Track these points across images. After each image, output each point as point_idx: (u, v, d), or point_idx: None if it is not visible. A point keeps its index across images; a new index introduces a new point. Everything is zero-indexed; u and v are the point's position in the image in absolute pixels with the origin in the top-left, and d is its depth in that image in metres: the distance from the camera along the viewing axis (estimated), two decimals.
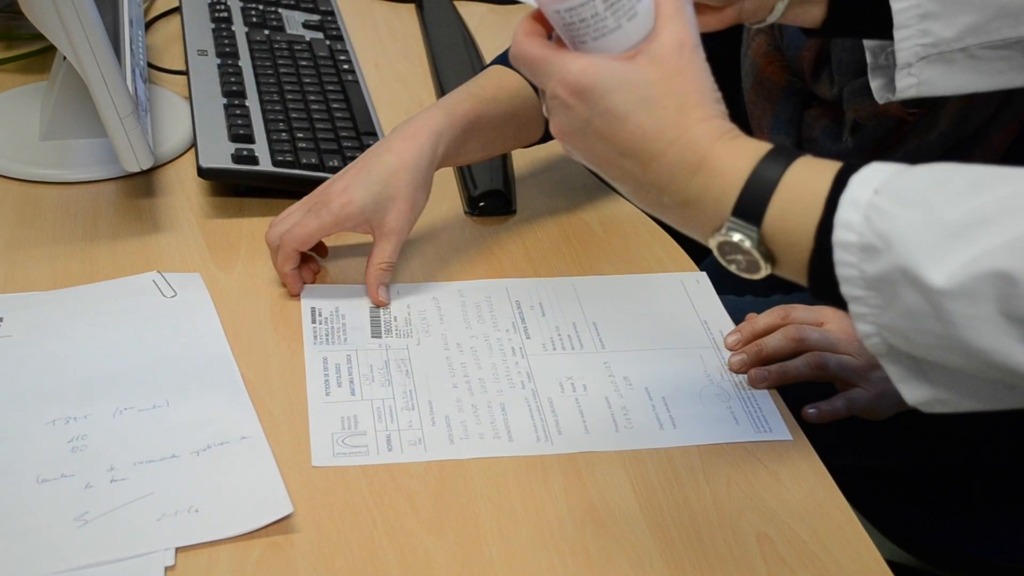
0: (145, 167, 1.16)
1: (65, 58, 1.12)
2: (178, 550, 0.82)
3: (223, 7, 1.54)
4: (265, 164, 1.21)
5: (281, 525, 0.84)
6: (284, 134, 1.27)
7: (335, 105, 1.35)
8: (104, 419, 0.92)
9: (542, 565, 0.84)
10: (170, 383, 0.96)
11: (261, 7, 1.57)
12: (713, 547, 0.86)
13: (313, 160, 1.23)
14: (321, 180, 1.19)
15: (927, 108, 1.15)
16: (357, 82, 1.43)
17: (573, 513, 0.88)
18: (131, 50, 1.26)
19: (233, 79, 1.36)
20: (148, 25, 1.62)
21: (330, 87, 1.39)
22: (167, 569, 0.80)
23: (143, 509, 0.84)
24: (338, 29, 1.57)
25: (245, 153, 1.22)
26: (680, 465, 0.93)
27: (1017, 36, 0.93)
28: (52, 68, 1.33)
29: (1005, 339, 0.64)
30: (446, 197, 1.26)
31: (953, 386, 0.70)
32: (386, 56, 1.60)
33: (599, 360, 1.04)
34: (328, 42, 1.52)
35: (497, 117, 1.17)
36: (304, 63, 1.43)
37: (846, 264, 0.68)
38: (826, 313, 1.07)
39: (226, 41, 1.45)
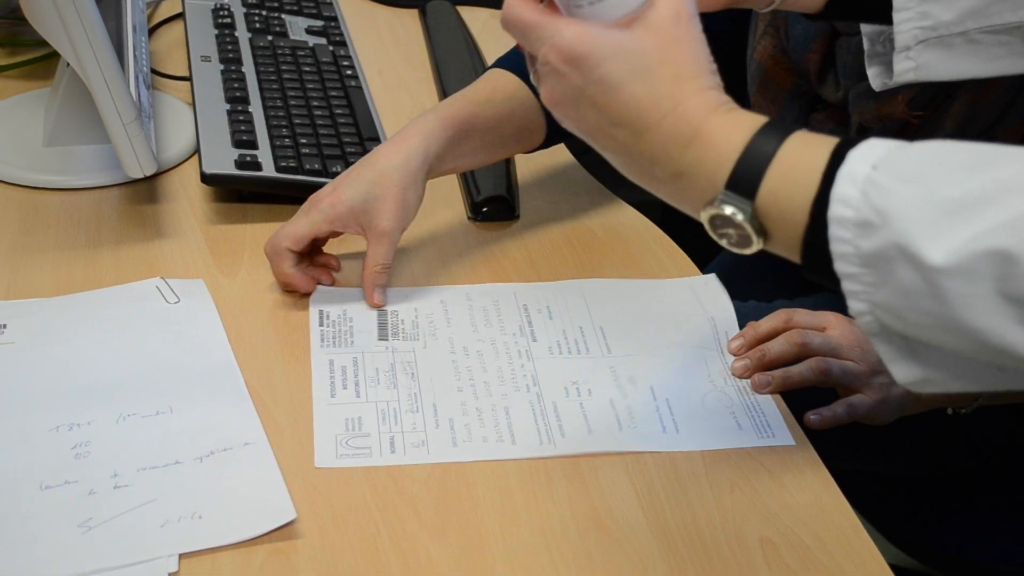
0: (148, 173, 1.16)
1: (68, 64, 1.13)
2: (181, 556, 0.82)
3: (227, 13, 1.54)
4: (268, 170, 1.22)
5: (284, 531, 0.84)
6: (287, 140, 1.27)
7: (338, 111, 1.35)
8: (107, 425, 0.92)
9: (545, 570, 0.84)
10: (173, 389, 0.97)
11: (264, 13, 1.57)
12: (717, 552, 0.86)
13: (316, 166, 1.23)
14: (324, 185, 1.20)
15: (932, 110, 1.15)
16: (360, 88, 1.43)
17: (576, 517, 0.88)
18: (134, 56, 1.27)
19: (236, 85, 1.36)
20: (151, 31, 1.62)
21: (333, 93, 1.39)
22: (170, 575, 0.80)
23: (146, 515, 0.84)
24: (341, 35, 1.58)
25: (248, 159, 1.22)
26: (683, 470, 0.93)
27: (1017, 21, 0.93)
28: (56, 74, 1.33)
29: (1001, 319, 0.63)
30: (450, 203, 1.26)
31: (944, 367, 0.69)
32: (389, 62, 1.60)
33: (605, 364, 1.05)
34: (331, 48, 1.52)
35: (492, 119, 1.17)
36: (307, 69, 1.44)
37: (841, 240, 0.67)
38: (828, 318, 1.07)
39: (229, 47, 1.45)
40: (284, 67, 1.43)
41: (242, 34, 1.50)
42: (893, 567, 0.86)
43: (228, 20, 1.52)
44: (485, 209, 1.24)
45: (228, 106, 1.32)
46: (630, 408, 0.99)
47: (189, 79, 1.39)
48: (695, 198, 0.74)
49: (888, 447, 1.26)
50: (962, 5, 0.92)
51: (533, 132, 1.21)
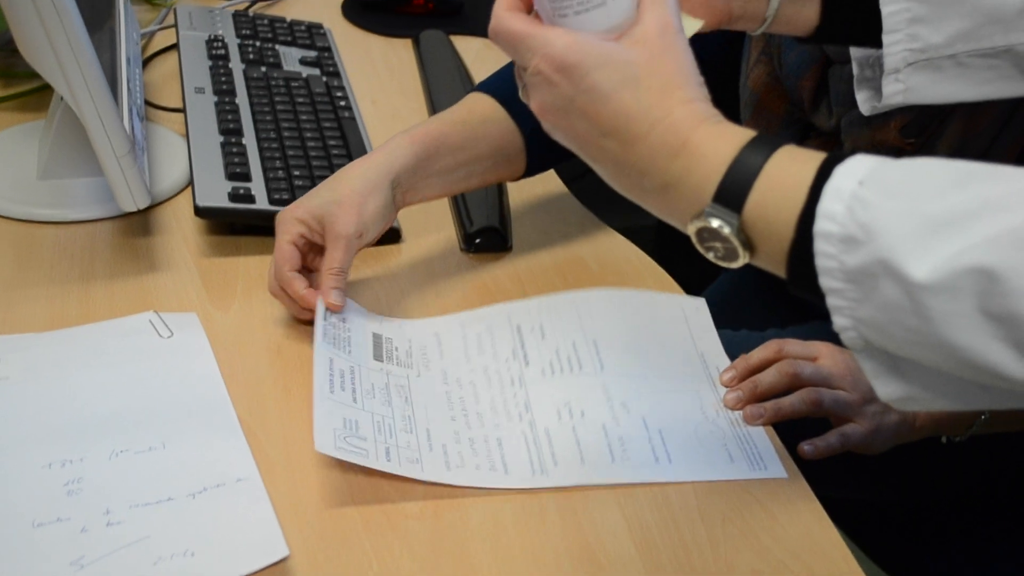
0: (142, 207, 1.16)
1: (63, 97, 1.13)
2: None
3: (220, 44, 1.55)
4: (262, 202, 1.22)
5: (277, 568, 0.84)
6: (281, 172, 1.27)
7: (331, 142, 1.36)
8: (100, 461, 0.92)
9: None
10: (166, 425, 0.96)
11: (258, 44, 1.58)
12: None
13: None
14: None
15: (925, 137, 1.15)
16: (354, 118, 1.43)
17: (569, 551, 0.88)
18: (128, 88, 1.27)
19: (230, 117, 1.36)
20: (146, 62, 1.63)
21: (327, 124, 1.40)
22: None
23: (139, 553, 0.84)
24: (335, 65, 1.58)
25: (242, 192, 1.22)
26: (676, 503, 0.93)
27: (1007, 44, 0.93)
28: (50, 107, 1.33)
29: (982, 336, 0.63)
30: (442, 234, 1.27)
31: (927, 384, 0.69)
32: (383, 92, 1.60)
33: (598, 382, 1.04)
34: (325, 78, 1.53)
35: (464, 138, 1.17)
36: (301, 100, 1.44)
37: (826, 255, 0.68)
38: (819, 348, 1.07)
39: (223, 78, 1.45)
40: (278, 98, 1.43)
41: (236, 65, 1.50)
42: None
43: (222, 51, 1.53)
44: (478, 240, 1.24)
45: (222, 138, 1.32)
46: (622, 438, 0.99)
47: (183, 111, 1.39)
48: (683, 210, 0.74)
49: (882, 476, 1.26)
50: (952, 28, 0.93)
51: (512, 156, 1.21)
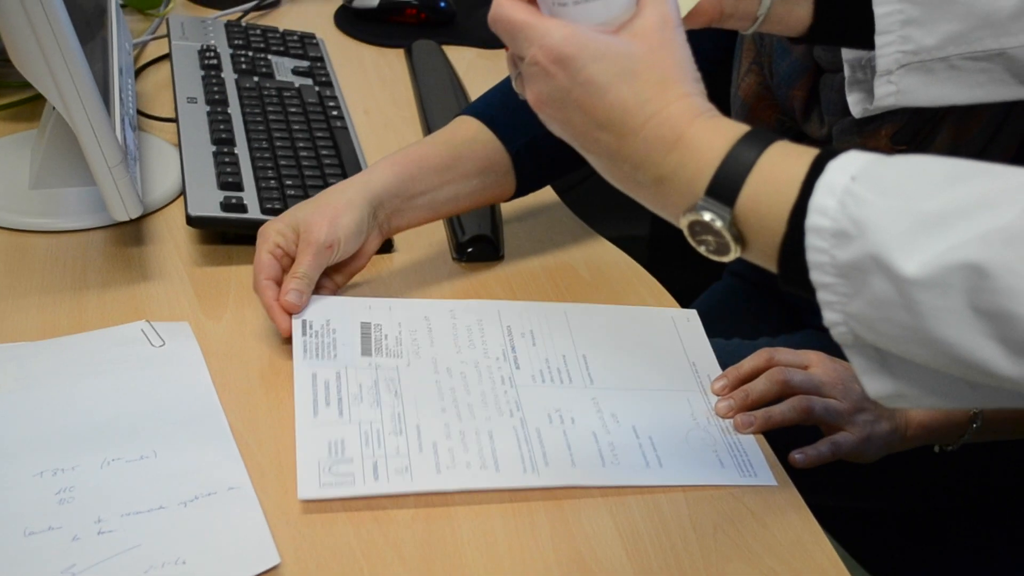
0: (134, 216, 1.16)
1: (55, 107, 1.13)
2: None
3: (213, 54, 1.55)
4: (254, 212, 1.22)
5: None
6: (273, 181, 1.27)
7: (324, 151, 1.36)
8: (92, 470, 0.92)
9: None
10: (158, 434, 0.96)
11: (251, 54, 1.58)
12: None
13: None
14: None
15: (915, 144, 1.15)
16: (346, 128, 1.43)
17: (560, 560, 0.88)
18: (120, 98, 1.27)
19: (222, 126, 1.36)
20: (138, 72, 1.63)
21: (319, 133, 1.40)
22: None
23: (130, 562, 0.84)
24: (327, 75, 1.58)
25: (234, 201, 1.22)
26: (667, 512, 0.93)
27: (999, 47, 0.94)
28: (42, 116, 1.33)
29: (971, 333, 0.63)
30: (434, 243, 1.27)
31: (916, 381, 0.69)
32: (375, 102, 1.61)
33: (587, 395, 1.05)
34: (317, 88, 1.53)
35: (448, 159, 1.17)
36: (293, 109, 1.44)
37: (817, 250, 0.68)
38: (810, 357, 1.07)
39: (216, 88, 1.45)
40: (270, 108, 1.43)
41: (228, 75, 1.51)
42: None
43: (214, 61, 1.53)
44: (470, 250, 1.25)
45: (214, 147, 1.32)
46: (613, 444, 0.99)
47: (175, 120, 1.40)
48: (675, 203, 0.75)
49: (873, 485, 1.26)
50: (944, 30, 0.93)
51: (500, 176, 1.21)
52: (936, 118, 1.12)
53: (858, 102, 1.01)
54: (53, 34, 1.07)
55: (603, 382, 1.07)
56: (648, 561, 0.89)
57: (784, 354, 1.07)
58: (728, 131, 0.74)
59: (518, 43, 0.78)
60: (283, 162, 1.32)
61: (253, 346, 1.09)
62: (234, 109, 1.42)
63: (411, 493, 0.92)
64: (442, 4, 1.84)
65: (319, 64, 1.61)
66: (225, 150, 1.32)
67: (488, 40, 1.76)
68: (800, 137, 1.27)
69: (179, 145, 1.33)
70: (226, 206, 1.21)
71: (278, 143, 1.36)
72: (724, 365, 1.10)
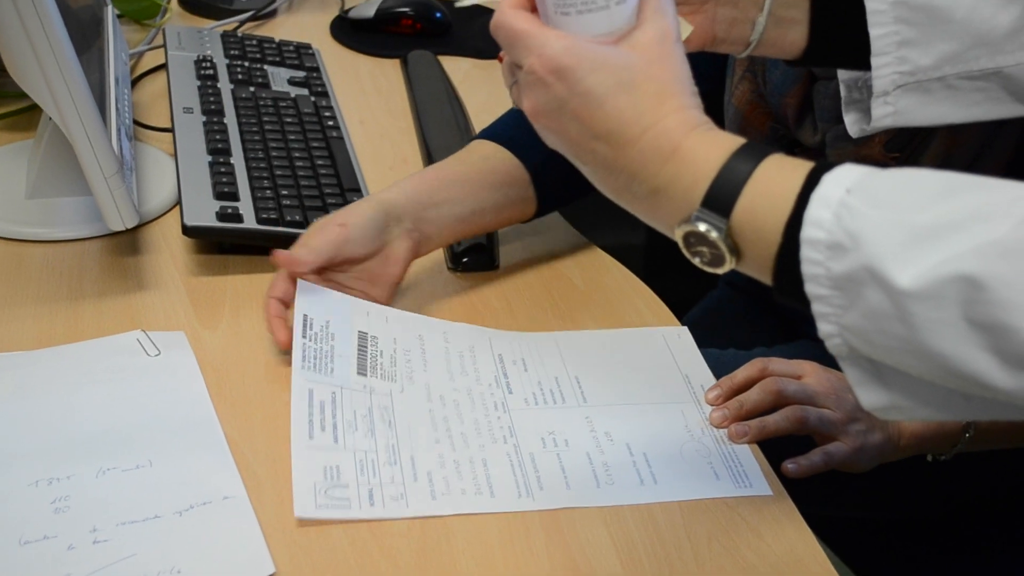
0: (130, 226, 1.17)
1: (51, 117, 1.13)
2: None
3: (209, 64, 1.55)
4: (250, 222, 1.22)
5: None
6: (269, 191, 1.28)
7: (319, 161, 1.36)
8: (87, 479, 0.92)
9: None
10: (153, 443, 0.97)
11: (247, 64, 1.59)
12: None
13: (297, 217, 1.24)
14: None
15: (909, 152, 1.16)
16: (342, 138, 1.44)
17: (555, 571, 0.89)
18: (117, 109, 1.27)
19: (218, 136, 1.37)
20: (134, 82, 1.63)
21: (315, 143, 1.40)
22: None
23: (126, 571, 0.84)
24: (323, 85, 1.59)
25: (230, 211, 1.22)
26: (662, 522, 0.94)
27: (995, 66, 0.94)
28: (39, 126, 1.34)
29: (966, 345, 0.63)
30: (431, 253, 1.27)
31: (911, 393, 0.70)
32: (371, 112, 1.61)
33: (581, 415, 1.05)
34: (313, 98, 1.53)
35: (468, 172, 1.19)
36: (289, 120, 1.45)
37: (812, 262, 0.68)
38: (804, 367, 1.07)
39: (211, 98, 1.46)
40: (266, 118, 1.44)
41: (224, 85, 1.51)
42: None
43: (211, 71, 1.53)
44: (465, 259, 1.25)
45: (210, 157, 1.33)
46: (607, 464, 0.99)
47: (171, 130, 1.40)
48: (671, 215, 0.75)
49: (867, 494, 1.27)
50: (940, 50, 0.93)
51: (521, 191, 1.22)
52: (930, 127, 1.12)
53: (855, 122, 1.01)
54: (49, 45, 1.07)
55: (596, 399, 1.07)
56: (643, 571, 0.89)
57: (778, 364, 1.08)
58: (724, 143, 0.74)
59: (517, 51, 0.78)
60: (279, 172, 1.32)
61: (248, 355, 1.09)
62: (230, 119, 1.42)
63: (407, 518, 0.92)
64: (438, 15, 1.85)
65: (315, 74, 1.62)
66: (221, 160, 1.32)
67: (483, 50, 1.76)
68: (794, 144, 1.27)
69: (175, 155, 1.33)
70: (222, 216, 1.22)
71: (274, 153, 1.36)
72: (719, 375, 1.10)
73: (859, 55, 0.95)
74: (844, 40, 0.96)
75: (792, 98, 1.23)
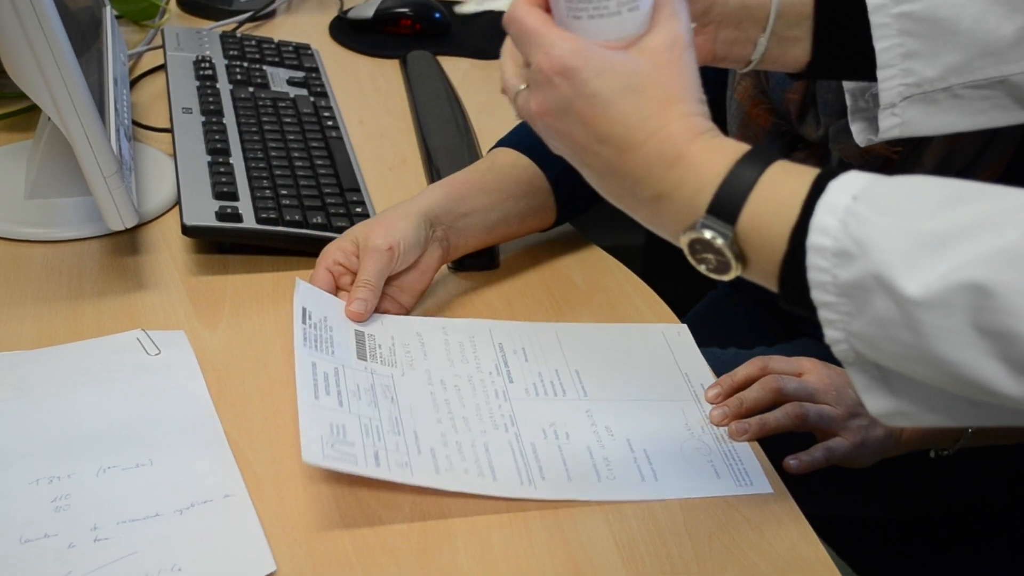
0: (129, 226, 1.17)
1: (50, 117, 1.13)
2: None
3: (208, 65, 1.55)
4: (249, 221, 1.22)
5: None
6: (268, 191, 1.28)
7: (319, 162, 1.36)
8: (88, 478, 0.92)
9: None
10: (154, 441, 0.97)
11: (246, 64, 1.59)
12: None
13: (297, 217, 1.24)
14: (304, 237, 1.22)
15: (912, 146, 1.16)
16: (341, 138, 1.44)
17: (556, 569, 0.89)
18: (116, 109, 1.27)
19: (217, 137, 1.37)
20: (133, 83, 1.63)
21: (314, 144, 1.40)
22: None
23: (126, 569, 0.84)
24: (322, 86, 1.59)
25: (229, 211, 1.22)
26: (662, 519, 0.94)
27: (1000, 75, 0.94)
28: (38, 127, 1.34)
29: (974, 352, 0.63)
30: None
31: (917, 399, 0.70)
32: (370, 112, 1.61)
33: (581, 408, 1.05)
34: (312, 99, 1.53)
35: (494, 181, 1.20)
36: (288, 120, 1.45)
37: (818, 269, 0.68)
38: (804, 364, 1.08)
39: (211, 99, 1.46)
40: (265, 118, 1.44)
41: (223, 86, 1.51)
42: None
43: (210, 72, 1.53)
44: (466, 260, 1.25)
45: (209, 158, 1.32)
46: (608, 459, 0.99)
47: (170, 131, 1.40)
48: (675, 221, 0.75)
49: (868, 491, 1.27)
50: (945, 61, 0.93)
51: (544, 199, 1.23)
52: None
53: (861, 131, 1.02)
54: (48, 45, 1.07)
55: (596, 394, 1.07)
56: (644, 569, 0.89)
57: (778, 362, 1.08)
58: (730, 150, 0.74)
59: (526, 48, 0.79)
60: (278, 172, 1.32)
61: (248, 354, 1.09)
62: (229, 119, 1.42)
63: (411, 485, 0.92)
64: (437, 15, 1.85)
65: (314, 75, 1.62)
66: (220, 160, 1.32)
67: (483, 51, 1.76)
68: (796, 139, 1.27)
69: (174, 155, 1.33)
70: (221, 216, 1.22)
71: (273, 153, 1.36)
72: (720, 374, 1.10)
73: (864, 67, 0.95)
74: (848, 54, 0.96)
75: (795, 93, 1.23)
